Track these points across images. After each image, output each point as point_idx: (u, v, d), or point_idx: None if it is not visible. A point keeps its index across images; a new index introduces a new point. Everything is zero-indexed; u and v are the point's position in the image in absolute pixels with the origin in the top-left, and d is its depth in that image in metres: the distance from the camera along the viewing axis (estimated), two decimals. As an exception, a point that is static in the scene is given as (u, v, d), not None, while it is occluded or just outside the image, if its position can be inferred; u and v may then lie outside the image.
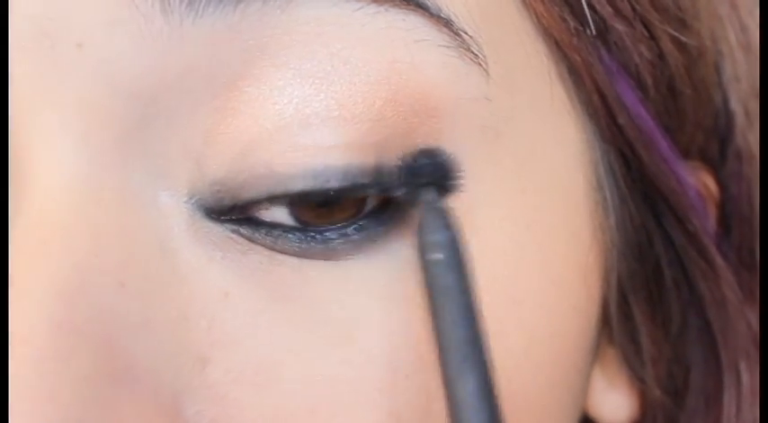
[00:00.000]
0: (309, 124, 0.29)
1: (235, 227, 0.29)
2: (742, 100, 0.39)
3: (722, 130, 0.39)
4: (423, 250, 0.27)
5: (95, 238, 0.28)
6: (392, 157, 0.29)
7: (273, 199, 0.29)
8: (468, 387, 0.25)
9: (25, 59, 0.28)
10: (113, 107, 0.28)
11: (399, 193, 0.29)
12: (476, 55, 0.30)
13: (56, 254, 0.27)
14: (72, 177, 0.28)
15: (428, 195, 0.28)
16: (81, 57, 0.28)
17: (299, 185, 0.29)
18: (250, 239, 0.29)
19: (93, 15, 0.28)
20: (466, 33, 0.30)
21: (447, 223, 0.28)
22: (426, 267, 0.27)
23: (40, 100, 0.28)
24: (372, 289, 0.29)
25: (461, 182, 0.29)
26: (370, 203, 0.30)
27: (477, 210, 0.31)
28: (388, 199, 0.30)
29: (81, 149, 0.28)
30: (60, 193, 0.28)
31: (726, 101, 0.38)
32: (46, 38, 0.28)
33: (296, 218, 0.29)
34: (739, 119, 0.39)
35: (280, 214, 0.29)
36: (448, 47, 0.30)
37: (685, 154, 0.37)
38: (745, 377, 0.38)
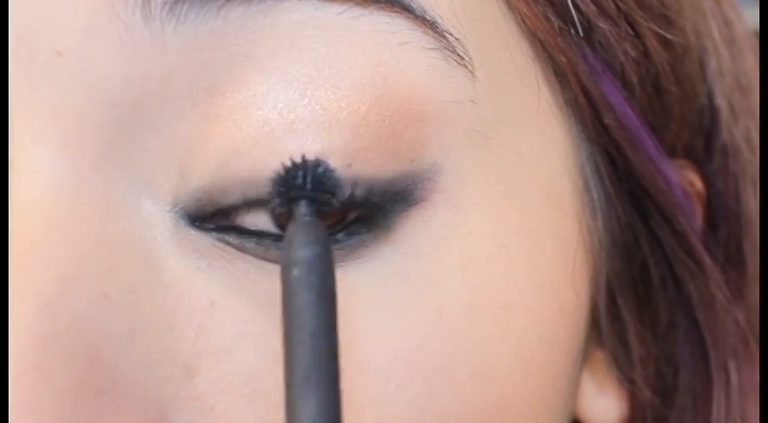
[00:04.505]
0: (294, 130, 0.28)
1: (221, 235, 0.29)
2: (726, 95, 0.39)
3: (707, 127, 0.39)
4: (283, 266, 0.26)
5: (76, 248, 0.27)
6: (376, 164, 0.29)
7: (255, 203, 0.29)
8: (306, 411, 0.24)
9: None
10: (93, 115, 0.28)
11: (274, 205, 0.28)
12: (461, 57, 0.30)
13: (35, 266, 0.27)
14: (49, 188, 0.27)
15: (300, 208, 0.27)
16: (60, 65, 0.27)
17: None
18: (239, 249, 0.29)
19: (73, 23, 0.27)
20: (451, 35, 0.30)
21: (312, 239, 0.26)
22: (283, 284, 0.25)
23: (15, 110, 0.28)
24: (363, 297, 0.29)
25: (335, 198, 0.28)
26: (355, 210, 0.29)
27: (464, 215, 0.30)
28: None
29: (59, 159, 0.28)
30: (37, 204, 0.27)
31: (711, 97, 0.38)
32: (23, 47, 0.27)
33: (280, 226, 0.29)
34: (724, 114, 0.39)
35: (263, 222, 0.29)
36: (433, 49, 0.30)
37: (671, 152, 0.37)
38: (733, 376, 0.38)
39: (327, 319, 0.25)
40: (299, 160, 0.27)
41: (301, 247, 0.26)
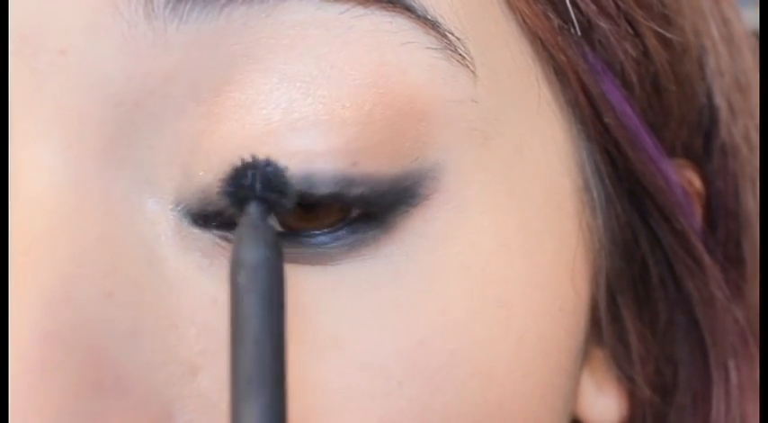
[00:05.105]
0: (297, 129, 0.28)
1: (223, 233, 0.29)
2: (725, 94, 0.39)
3: (706, 126, 0.39)
4: (230, 267, 0.25)
5: (79, 246, 0.27)
6: (379, 162, 0.29)
7: None
8: (250, 412, 0.23)
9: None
10: (96, 114, 0.28)
11: (222, 204, 0.27)
12: (463, 57, 0.30)
13: (37, 264, 0.27)
14: (52, 186, 0.28)
15: (249, 209, 0.26)
16: (63, 63, 0.28)
17: None
18: None
19: (76, 21, 0.27)
20: (453, 35, 0.30)
21: (261, 242, 0.25)
22: (231, 285, 0.25)
23: (18, 108, 0.28)
24: (363, 294, 0.29)
25: (286, 199, 0.27)
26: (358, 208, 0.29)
27: (466, 214, 0.30)
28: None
29: (62, 157, 0.28)
30: (39, 202, 0.27)
31: (710, 96, 0.38)
32: (26, 46, 0.27)
33: (281, 223, 0.29)
34: (723, 113, 0.39)
35: None
36: (435, 49, 0.30)
37: (670, 151, 0.37)
38: (733, 375, 0.38)
39: (272, 324, 0.24)
40: (248, 159, 0.27)
41: (249, 249, 0.25)
